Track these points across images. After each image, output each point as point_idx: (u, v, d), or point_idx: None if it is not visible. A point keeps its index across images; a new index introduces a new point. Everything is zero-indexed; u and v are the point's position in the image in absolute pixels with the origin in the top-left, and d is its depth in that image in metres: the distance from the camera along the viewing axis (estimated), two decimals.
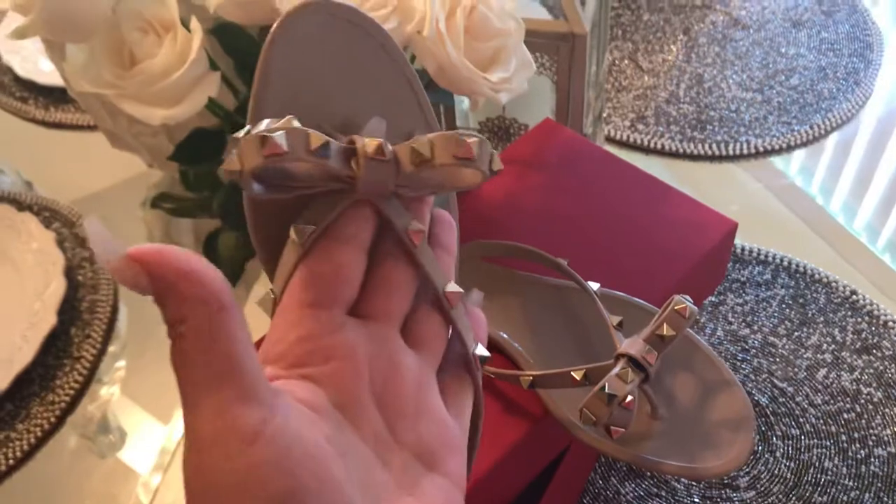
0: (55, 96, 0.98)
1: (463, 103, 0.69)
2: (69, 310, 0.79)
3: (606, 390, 0.43)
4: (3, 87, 1.01)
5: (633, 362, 0.45)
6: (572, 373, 0.46)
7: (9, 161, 0.98)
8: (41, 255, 0.81)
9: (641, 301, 0.51)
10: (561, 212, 0.59)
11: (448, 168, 0.32)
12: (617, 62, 0.96)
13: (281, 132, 0.29)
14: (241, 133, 0.31)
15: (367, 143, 0.32)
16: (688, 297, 0.45)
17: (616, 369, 0.44)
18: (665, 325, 0.44)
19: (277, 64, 0.34)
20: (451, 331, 0.35)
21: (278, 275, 0.34)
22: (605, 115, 0.89)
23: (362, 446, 0.30)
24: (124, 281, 0.26)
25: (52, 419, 0.72)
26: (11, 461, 0.70)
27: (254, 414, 0.26)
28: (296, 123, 0.30)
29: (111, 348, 0.79)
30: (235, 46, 0.60)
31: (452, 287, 0.34)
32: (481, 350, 0.36)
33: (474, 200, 0.61)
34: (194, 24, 0.49)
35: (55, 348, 0.76)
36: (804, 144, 0.87)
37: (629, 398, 0.43)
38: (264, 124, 0.30)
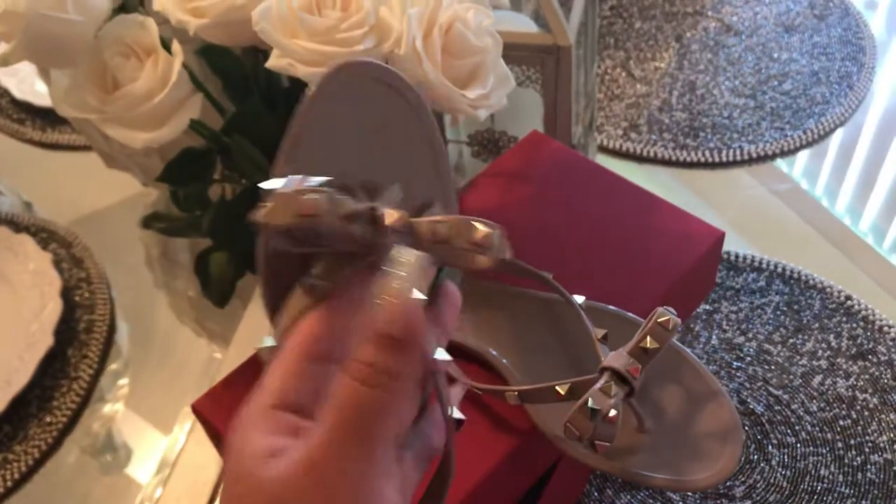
0: (52, 118, 0.99)
1: (447, 117, 0.70)
2: (66, 330, 0.79)
3: (589, 405, 0.43)
4: (1, 109, 1.02)
5: (618, 376, 0.45)
6: (557, 387, 0.46)
7: (7, 182, 0.98)
8: (38, 276, 0.82)
9: (628, 313, 0.51)
10: (548, 224, 0.59)
11: (462, 251, 0.33)
12: (609, 70, 0.96)
13: (318, 195, 0.30)
14: (277, 185, 0.31)
15: (389, 213, 0.33)
16: (671, 310, 0.45)
17: (599, 383, 0.44)
18: (648, 337, 0.44)
19: (317, 116, 0.35)
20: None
21: (282, 323, 0.34)
22: (597, 124, 0.89)
23: None
24: None
25: (50, 440, 0.72)
26: (10, 483, 0.70)
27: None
28: (321, 182, 0.32)
29: (112, 366, 0.79)
30: (222, 66, 0.60)
31: (441, 355, 0.34)
32: (457, 413, 0.36)
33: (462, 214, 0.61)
34: (175, 46, 0.49)
35: (52, 369, 0.76)
36: (798, 149, 0.87)
37: (613, 412, 0.43)
38: (297, 181, 0.31)
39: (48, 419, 0.73)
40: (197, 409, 0.54)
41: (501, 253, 0.34)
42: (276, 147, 0.58)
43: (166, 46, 0.51)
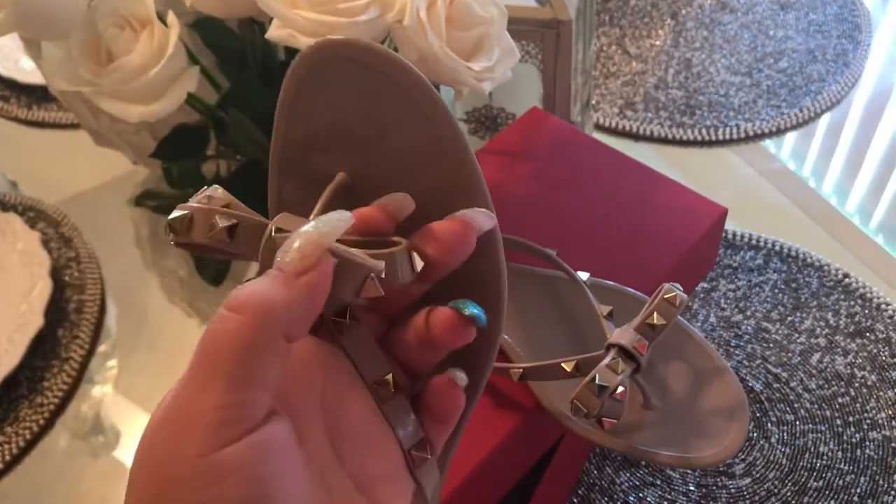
0: (37, 95, 0.97)
1: (450, 94, 0.69)
2: (56, 311, 0.78)
3: (597, 381, 0.43)
4: None
5: (624, 352, 0.44)
6: (562, 364, 0.46)
7: None
8: (26, 256, 0.80)
9: (632, 290, 0.51)
10: (550, 201, 0.59)
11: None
12: (605, 48, 0.95)
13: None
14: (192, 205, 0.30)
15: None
16: (678, 286, 0.44)
17: (606, 360, 0.44)
18: (655, 313, 0.44)
19: (297, 121, 0.33)
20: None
21: None
22: (593, 102, 0.89)
23: (307, 460, 0.29)
24: None
25: (41, 421, 0.71)
26: (1, 465, 0.69)
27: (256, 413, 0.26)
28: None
29: (101, 348, 0.78)
30: (215, 40, 0.59)
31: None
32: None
33: None
34: (171, 18, 0.48)
35: (43, 350, 0.75)
36: (794, 128, 0.86)
37: (620, 389, 0.43)
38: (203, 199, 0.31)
39: (39, 400, 0.72)
40: None
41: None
42: (271, 120, 0.57)
43: (162, 19, 0.49)
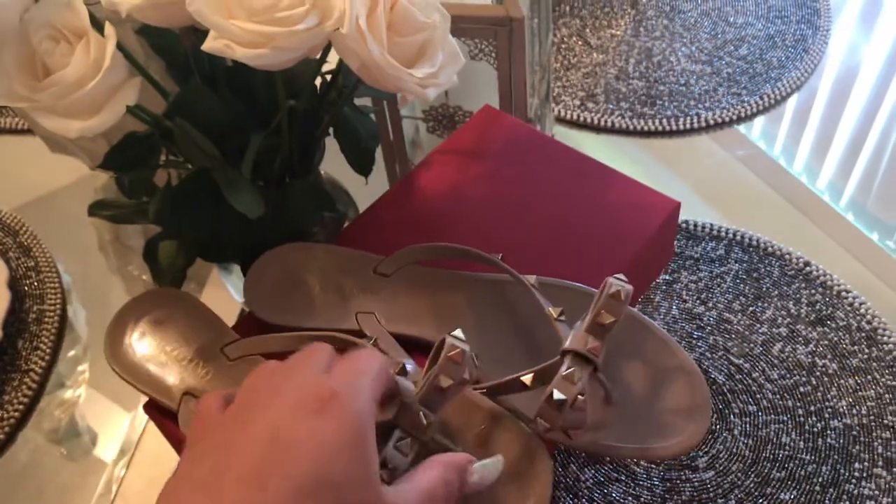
0: None
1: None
2: (15, 322, 0.77)
3: (555, 398, 0.42)
4: None
5: (579, 356, 0.44)
6: (521, 378, 0.45)
7: None
8: None
9: (583, 286, 0.50)
10: (503, 201, 0.58)
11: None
12: (565, 39, 0.94)
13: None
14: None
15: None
16: (621, 278, 0.44)
17: (562, 370, 0.43)
18: (603, 311, 0.43)
19: None
20: None
21: None
22: (553, 94, 0.88)
23: None
24: None
25: (2, 435, 0.70)
26: None
27: None
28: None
29: (71, 352, 0.77)
30: (162, 46, 0.58)
31: None
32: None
33: (416, 194, 0.60)
34: (108, 29, 0.47)
35: (2, 363, 0.74)
36: (755, 115, 0.86)
37: (580, 398, 0.42)
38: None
39: (0, 414, 0.71)
40: (149, 411, 0.53)
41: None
42: (220, 129, 0.56)
43: (100, 28, 0.48)
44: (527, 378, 0.45)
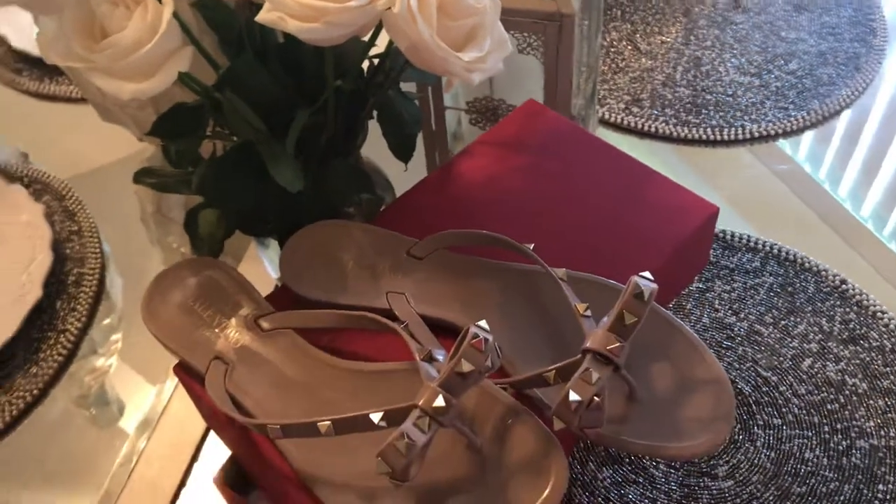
0: (49, 68, 0.98)
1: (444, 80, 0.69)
2: (55, 283, 0.79)
3: (570, 398, 0.42)
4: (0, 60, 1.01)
5: (600, 355, 0.44)
6: (544, 375, 0.45)
7: (4, 133, 0.97)
8: (29, 228, 0.81)
9: (612, 282, 0.50)
10: (541, 195, 0.59)
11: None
12: (615, 43, 0.94)
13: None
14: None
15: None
16: (647, 277, 0.44)
17: (579, 371, 0.43)
18: (625, 311, 0.44)
19: None
20: None
21: None
22: (599, 96, 0.88)
23: None
24: None
25: (35, 391, 0.72)
26: None
27: None
28: None
29: (106, 321, 0.79)
30: (215, 20, 0.59)
31: None
32: None
33: (453, 181, 0.61)
34: None
35: (40, 321, 0.76)
36: (801, 130, 0.86)
37: (596, 399, 0.43)
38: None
39: (34, 370, 0.73)
40: (178, 372, 0.54)
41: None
42: (267, 104, 0.57)
43: None
44: (549, 374, 0.45)
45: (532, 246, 0.51)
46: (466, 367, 0.42)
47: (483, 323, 0.43)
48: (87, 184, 0.89)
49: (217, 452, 0.66)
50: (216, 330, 0.53)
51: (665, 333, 0.50)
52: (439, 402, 0.42)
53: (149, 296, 0.54)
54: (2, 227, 0.82)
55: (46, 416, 0.72)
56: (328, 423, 0.43)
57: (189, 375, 0.53)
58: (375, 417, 0.43)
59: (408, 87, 0.71)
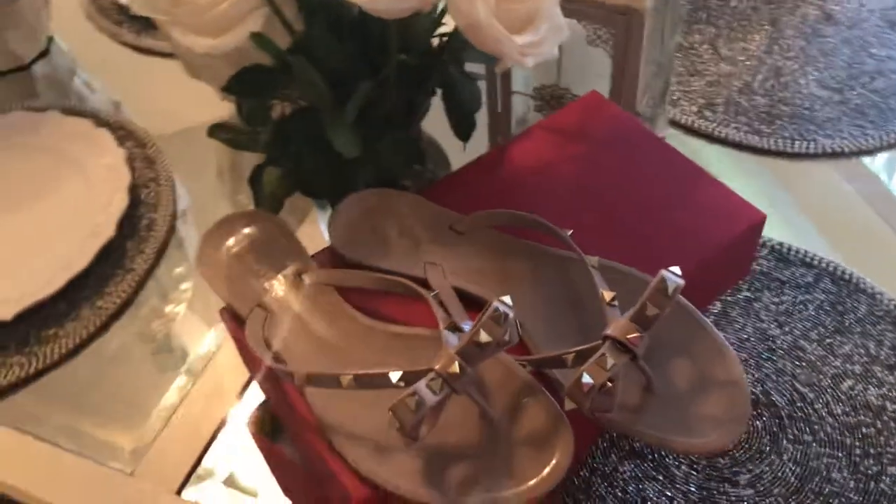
0: (146, 22, 1.02)
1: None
2: (129, 225, 0.83)
3: (583, 380, 0.43)
4: (103, 11, 1.06)
5: (619, 343, 0.45)
6: (563, 356, 0.47)
7: (101, 81, 1.03)
8: (111, 171, 0.86)
9: (644, 275, 0.51)
10: (589, 184, 0.60)
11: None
12: (696, 45, 0.94)
13: None
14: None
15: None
16: (675, 272, 0.45)
17: (595, 356, 0.44)
18: (648, 303, 0.44)
19: None
20: None
21: None
22: (672, 97, 0.88)
23: None
24: None
25: (98, 323, 0.77)
26: (56, 357, 0.75)
27: None
28: None
29: (178, 269, 0.83)
30: None
31: None
32: None
33: (505, 163, 0.62)
34: None
35: (111, 259, 0.81)
36: (876, 150, 0.84)
37: (609, 385, 0.44)
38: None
39: (100, 303, 0.78)
40: (224, 315, 0.57)
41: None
42: (335, 72, 0.60)
43: None
44: (567, 357, 0.46)
45: (570, 232, 0.52)
46: (484, 337, 0.43)
47: (507, 298, 0.45)
48: (171, 136, 0.93)
49: (257, 400, 0.70)
50: (262, 280, 0.55)
51: (691, 332, 0.50)
52: (454, 367, 0.43)
53: (205, 241, 0.57)
54: (87, 167, 0.87)
55: (105, 349, 0.77)
56: (350, 377, 0.46)
57: (233, 320, 0.56)
58: (394, 376, 0.45)
59: (477, 69, 0.72)
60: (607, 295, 0.48)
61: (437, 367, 0.44)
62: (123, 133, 0.91)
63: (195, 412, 0.72)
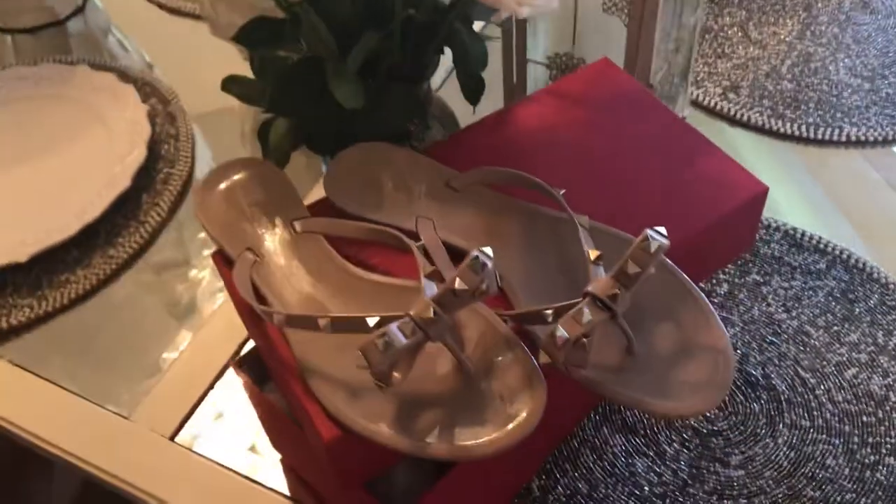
0: None
1: (536, 36, 0.69)
2: (145, 178, 0.84)
3: (557, 333, 0.43)
4: None
5: (598, 300, 0.44)
6: (543, 312, 0.46)
7: (134, 40, 1.04)
8: (132, 125, 0.87)
9: (632, 237, 0.50)
10: (592, 149, 0.59)
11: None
12: (725, 28, 0.92)
13: None
14: None
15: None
16: (660, 231, 0.44)
17: (573, 310, 0.44)
18: (630, 261, 0.44)
19: None
20: None
21: None
22: (695, 76, 0.86)
23: None
24: None
25: (109, 271, 0.78)
26: (66, 301, 0.76)
27: None
28: None
29: (201, 234, 0.84)
30: None
31: None
32: None
33: (508, 125, 0.61)
34: None
35: (125, 209, 0.82)
36: None
37: (584, 339, 0.43)
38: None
39: (111, 252, 0.79)
40: (216, 258, 0.57)
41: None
42: (342, 24, 0.60)
43: None
44: (547, 312, 0.46)
45: (563, 192, 0.52)
46: (460, 285, 0.43)
47: (487, 249, 0.44)
48: (195, 94, 0.94)
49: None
50: (255, 226, 0.56)
51: (678, 296, 0.49)
52: (428, 313, 0.43)
53: (204, 183, 0.58)
54: (109, 119, 0.88)
55: (114, 297, 0.78)
56: (328, 320, 0.46)
57: (226, 264, 0.56)
58: (371, 321, 0.45)
59: (494, 33, 0.72)
60: (593, 253, 0.47)
61: (412, 312, 0.43)
62: (149, 90, 0.93)
63: (194, 362, 0.73)
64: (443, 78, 0.85)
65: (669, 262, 0.50)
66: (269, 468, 0.65)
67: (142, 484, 0.65)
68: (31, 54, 0.99)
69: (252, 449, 0.66)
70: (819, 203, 0.78)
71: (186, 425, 0.69)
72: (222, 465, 0.66)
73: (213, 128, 0.93)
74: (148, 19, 1.06)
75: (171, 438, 0.68)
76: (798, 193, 0.79)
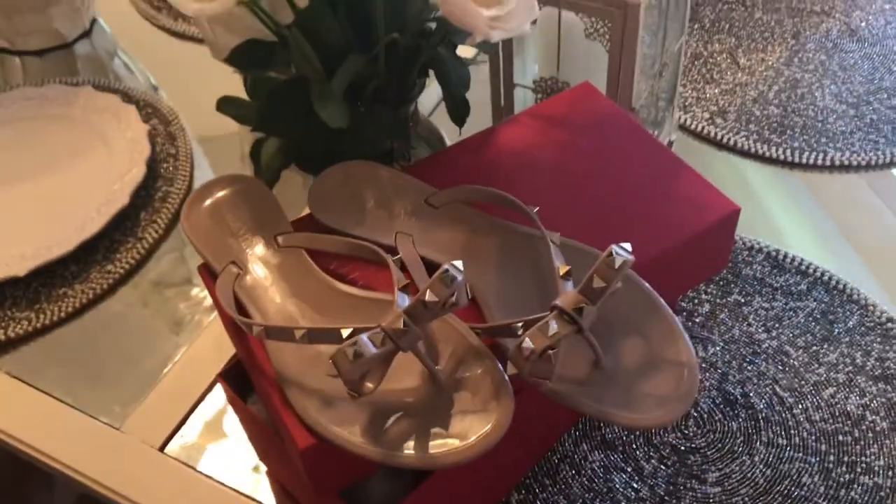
0: None
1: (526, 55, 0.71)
2: (144, 196, 0.86)
3: (524, 345, 0.44)
4: None
5: (565, 314, 0.46)
6: (512, 326, 0.48)
7: (139, 62, 1.07)
8: (132, 144, 0.89)
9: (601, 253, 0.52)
10: (568, 169, 0.60)
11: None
12: (714, 55, 0.94)
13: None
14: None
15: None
16: (625, 247, 0.45)
17: (539, 323, 0.45)
18: (595, 276, 0.45)
19: None
20: None
21: None
22: (684, 102, 0.88)
23: None
24: None
25: (106, 286, 0.80)
26: (63, 314, 0.78)
27: None
28: None
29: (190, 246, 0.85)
30: None
31: None
32: None
33: (489, 146, 0.63)
34: None
35: (124, 226, 0.84)
36: (887, 166, 0.83)
37: (550, 352, 0.44)
38: None
39: (109, 268, 0.81)
40: (202, 272, 0.59)
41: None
42: (329, 47, 0.62)
43: None
44: (517, 326, 0.47)
45: (536, 209, 0.53)
46: (430, 297, 0.45)
47: (458, 263, 0.46)
48: (197, 116, 0.96)
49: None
50: (239, 240, 0.57)
51: (646, 312, 0.51)
52: (398, 324, 0.45)
53: (190, 200, 0.59)
54: (110, 139, 0.91)
55: (110, 311, 0.80)
56: (304, 331, 0.47)
57: (210, 277, 0.58)
58: (345, 332, 0.46)
59: (482, 58, 0.74)
60: (562, 269, 0.49)
61: (384, 324, 0.45)
62: (151, 110, 0.95)
63: (185, 374, 0.74)
64: (435, 103, 0.87)
65: (637, 277, 0.51)
66: (258, 480, 0.66)
67: (130, 494, 0.66)
68: (39, 75, 1.02)
69: (242, 461, 0.68)
70: (801, 225, 0.80)
71: (176, 436, 0.70)
72: (211, 478, 0.67)
73: (216, 149, 0.95)
74: (153, 43, 1.08)
75: (161, 449, 0.69)
76: (781, 216, 0.80)
